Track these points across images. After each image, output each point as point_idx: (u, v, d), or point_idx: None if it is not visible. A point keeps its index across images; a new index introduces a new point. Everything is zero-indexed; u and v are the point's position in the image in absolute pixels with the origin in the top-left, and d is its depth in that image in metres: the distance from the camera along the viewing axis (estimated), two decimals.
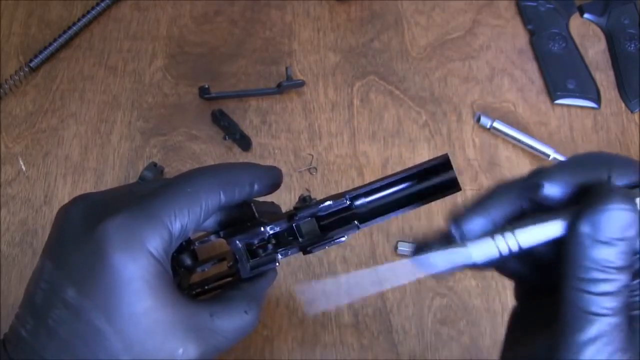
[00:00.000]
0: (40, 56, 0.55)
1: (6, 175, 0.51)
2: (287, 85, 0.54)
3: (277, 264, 0.34)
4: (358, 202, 0.34)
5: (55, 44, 0.55)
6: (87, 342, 0.28)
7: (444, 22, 0.59)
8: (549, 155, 0.51)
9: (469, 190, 0.51)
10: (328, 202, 0.34)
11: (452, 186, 0.32)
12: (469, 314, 0.47)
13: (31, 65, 0.54)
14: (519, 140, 0.52)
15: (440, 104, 0.55)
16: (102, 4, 0.57)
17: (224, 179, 0.33)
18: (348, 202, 0.34)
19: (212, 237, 0.36)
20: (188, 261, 0.36)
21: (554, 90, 0.55)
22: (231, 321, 0.32)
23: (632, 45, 0.57)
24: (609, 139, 0.54)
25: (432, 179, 0.33)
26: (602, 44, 0.58)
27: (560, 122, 0.54)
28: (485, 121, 0.53)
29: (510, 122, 0.53)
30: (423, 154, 0.52)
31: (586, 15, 0.59)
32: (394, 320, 0.46)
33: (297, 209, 0.34)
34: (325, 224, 0.35)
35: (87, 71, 0.55)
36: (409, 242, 0.48)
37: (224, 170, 0.34)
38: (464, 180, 0.51)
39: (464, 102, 0.55)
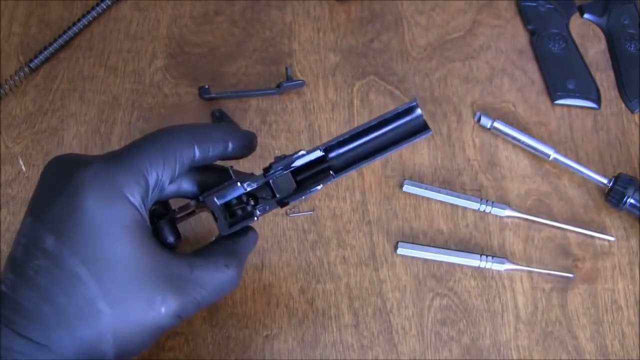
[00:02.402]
0: (40, 56, 0.55)
1: (6, 176, 0.51)
2: (287, 86, 0.54)
3: (255, 219, 0.35)
4: (332, 154, 0.35)
5: (55, 44, 0.55)
6: (65, 289, 0.28)
7: (444, 22, 0.59)
8: (549, 155, 0.51)
9: (469, 191, 0.51)
10: (301, 152, 0.35)
11: (422, 129, 0.34)
12: (469, 314, 0.47)
13: (31, 65, 0.54)
14: (519, 140, 0.52)
15: (440, 104, 0.55)
16: (102, 4, 0.57)
17: (197, 135, 0.34)
18: (322, 153, 0.35)
19: (192, 203, 0.36)
20: (169, 232, 0.36)
21: (554, 90, 0.55)
22: (211, 274, 0.33)
23: (632, 45, 0.57)
24: (609, 139, 0.54)
25: (402, 124, 0.34)
26: (602, 44, 0.58)
27: (560, 122, 0.55)
28: (486, 121, 0.53)
29: (510, 122, 0.53)
30: (423, 154, 0.52)
31: (586, 15, 0.59)
32: (394, 320, 0.47)
33: (272, 163, 0.35)
34: (301, 179, 0.35)
35: (87, 71, 0.55)
36: (409, 242, 0.48)
37: (197, 126, 0.35)
38: (464, 180, 0.52)
39: (464, 102, 0.55)
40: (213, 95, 0.54)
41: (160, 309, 0.30)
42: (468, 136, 0.53)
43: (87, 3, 0.58)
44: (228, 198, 0.35)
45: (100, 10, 0.57)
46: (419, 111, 0.34)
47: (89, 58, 0.56)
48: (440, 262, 0.48)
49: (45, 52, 0.55)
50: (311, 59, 0.56)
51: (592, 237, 0.50)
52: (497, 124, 0.52)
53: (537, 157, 0.52)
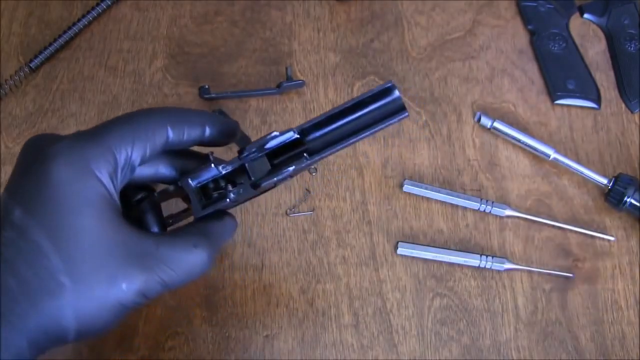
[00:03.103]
0: (40, 56, 0.55)
1: (6, 176, 0.51)
2: (287, 86, 0.54)
3: (228, 200, 0.34)
4: (309, 137, 0.34)
5: (55, 44, 0.55)
6: (30, 261, 0.28)
7: (444, 22, 0.59)
8: (549, 155, 0.51)
9: (469, 191, 0.51)
10: (274, 133, 0.34)
11: (399, 109, 0.33)
12: (469, 314, 0.47)
13: (31, 65, 0.54)
14: (519, 141, 0.52)
15: (440, 104, 0.55)
16: (102, 4, 0.57)
17: (172, 116, 0.33)
18: (296, 135, 0.34)
19: (171, 188, 0.36)
20: (153, 222, 0.36)
21: (554, 90, 0.55)
22: (178, 253, 0.32)
23: (632, 45, 0.57)
24: (609, 139, 0.54)
25: (381, 107, 0.34)
26: (602, 44, 0.58)
27: (560, 122, 0.55)
28: (486, 121, 0.53)
29: (510, 122, 0.53)
30: (423, 154, 0.52)
31: (586, 15, 0.59)
32: (394, 320, 0.47)
33: (245, 146, 0.35)
34: (277, 162, 0.35)
35: (87, 71, 0.55)
36: (409, 242, 0.48)
37: (173, 109, 0.34)
38: (464, 180, 0.52)
39: (464, 102, 0.55)
40: (213, 95, 0.54)
41: (122, 284, 0.30)
42: (468, 136, 0.53)
43: (87, 3, 0.58)
44: (203, 179, 0.34)
45: (100, 10, 0.57)
46: (396, 93, 0.33)
47: (89, 58, 0.56)
48: (440, 262, 0.48)
49: (45, 52, 0.55)
50: (311, 59, 0.56)
51: (592, 237, 0.50)
52: (497, 124, 0.52)
53: (537, 157, 0.52)
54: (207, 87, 0.53)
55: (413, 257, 0.48)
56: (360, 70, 0.56)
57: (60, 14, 0.58)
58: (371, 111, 0.34)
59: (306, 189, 0.51)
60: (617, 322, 0.47)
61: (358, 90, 0.55)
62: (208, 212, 0.35)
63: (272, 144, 0.34)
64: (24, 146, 0.32)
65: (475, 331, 0.46)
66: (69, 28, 0.56)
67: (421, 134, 0.53)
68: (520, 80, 0.56)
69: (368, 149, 0.53)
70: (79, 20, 0.57)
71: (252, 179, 0.35)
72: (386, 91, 0.34)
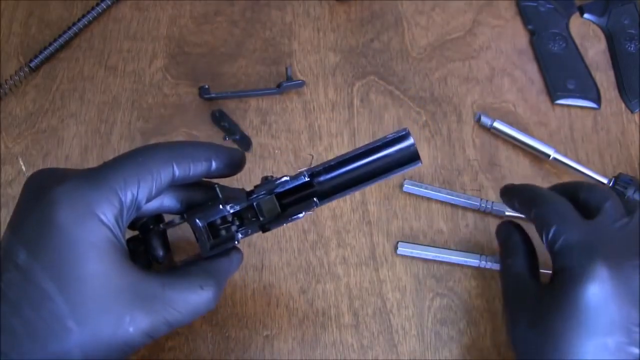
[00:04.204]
0: (40, 56, 0.55)
1: (6, 176, 0.51)
2: (287, 86, 0.54)
3: (237, 242, 0.34)
4: (319, 179, 0.34)
5: (55, 44, 0.55)
6: (35, 304, 0.29)
7: (444, 22, 0.59)
8: (549, 156, 0.51)
9: (469, 191, 0.51)
10: (285, 178, 0.34)
11: (413, 159, 0.33)
12: (469, 314, 0.47)
13: (31, 65, 0.54)
14: (519, 141, 0.52)
15: (440, 104, 0.55)
16: (102, 4, 0.57)
17: (177, 152, 0.33)
18: (306, 179, 0.34)
19: (177, 220, 0.36)
20: (158, 245, 0.36)
21: (554, 90, 0.55)
22: (184, 294, 0.32)
23: (632, 45, 0.57)
24: (609, 139, 0.54)
25: (392, 153, 0.33)
26: (602, 44, 0.58)
27: (560, 122, 0.55)
28: (486, 121, 0.53)
29: (510, 122, 0.53)
30: (423, 154, 0.52)
31: (586, 15, 0.59)
32: (394, 320, 0.47)
33: (256, 186, 0.34)
34: (286, 202, 0.35)
35: (87, 71, 0.55)
36: (409, 242, 0.48)
37: (178, 144, 0.34)
38: (464, 180, 0.52)
39: (464, 102, 0.55)
40: (213, 95, 0.54)
41: (129, 328, 0.30)
42: (468, 136, 0.53)
43: (87, 3, 0.58)
44: (211, 219, 0.34)
45: (100, 10, 0.57)
46: (411, 140, 0.33)
47: (89, 58, 0.56)
48: (441, 262, 0.48)
49: (45, 52, 0.55)
50: (311, 59, 0.56)
51: None
52: (497, 124, 0.52)
53: (537, 157, 0.52)
54: (207, 87, 0.53)
55: (413, 257, 0.48)
56: (360, 70, 0.56)
57: (60, 14, 0.58)
58: (384, 157, 0.34)
59: None
60: None
61: (358, 90, 0.55)
62: (215, 253, 0.35)
63: (282, 187, 0.34)
64: (27, 181, 0.32)
65: (475, 331, 0.46)
66: (69, 28, 0.56)
67: (421, 134, 0.53)
68: (520, 80, 0.56)
69: None
70: (79, 20, 0.57)
71: (262, 219, 0.35)
72: (401, 138, 0.33)
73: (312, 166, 0.34)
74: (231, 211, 0.34)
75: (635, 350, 0.33)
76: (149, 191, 0.32)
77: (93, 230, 0.29)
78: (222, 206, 0.34)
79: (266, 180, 0.35)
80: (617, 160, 0.53)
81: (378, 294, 0.47)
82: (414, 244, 0.48)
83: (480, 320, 0.47)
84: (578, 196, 0.39)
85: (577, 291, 0.34)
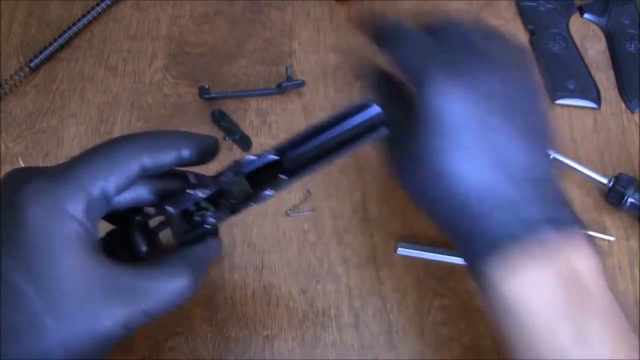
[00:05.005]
0: (40, 56, 0.55)
1: None
2: (287, 86, 0.54)
3: (207, 226, 0.34)
4: (289, 156, 0.34)
5: (55, 44, 0.55)
6: (10, 303, 0.29)
7: None
8: (549, 156, 0.51)
9: None
10: (251, 157, 0.33)
11: (380, 125, 0.33)
12: (469, 314, 0.47)
13: (31, 65, 0.54)
14: None
15: None
16: (102, 4, 0.57)
17: (144, 142, 0.33)
18: (274, 156, 0.33)
19: (152, 211, 0.35)
20: (141, 240, 0.36)
21: (554, 90, 0.55)
22: (158, 282, 0.32)
23: (632, 45, 0.57)
24: (609, 139, 0.54)
25: (359, 121, 0.33)
26: (602, 44, 0.58)
27: (560, 122, 0.54)
28: None
29: None
30: None
31: (586, 15, 0.59)
32: (394, 320, 0.46)
33: (223, 168, 0.34)
34: (257, 182, 0.34)
35: (87, 71, 0.55)
36: (409, 243, 0.48)
37: (146, 134, 0.34)
38: None
39: None
40: (213, 95, 0.54)
41: (106, 320, 0.30)
42: None
43: (87, 3, 0.58)
44: (182, 207, 0.34)
45: (100, 10, 0.57)
46: (377, 107, 0.33)
47: (89, 58, 0.56)
48: (441, 263, 0.48)
49: (45, 52, 0.55)
50: (311, 59, 0.56)
51: (592, 237, 0.50)
52: None
53: None
54: (207, 87, 0.53)
55: (413, 257, 0.48)
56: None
57: (60, 14, 0.58)
58: (351, 127, 0.33)
59: (307, 190, 0.51)
60: None
61: (358, 90, 0.55)
62: (188, 239, 0.34)
63: (249, 167, 0.34)
64: (3, 181, 0.32)
65: (476, 332, 0.46)
66: (69, 28, 0.56)
67: None
68: None
69: (369, 148, 0.52)
70: (79, 20, 0.57)
71: (234, 201, 0.34)
72: (367, 106, 0.33)
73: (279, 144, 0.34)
74: (202, 196, 0.34)
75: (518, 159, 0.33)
76: (117, 183, 0.32)
77: (63, 225, 0.30)
78: (192, 191, 0.34)
79: (236, 162, 0.34)
80: (617, 160, 0.53)
81: (378, 294, 0.47)
82: (414, 244, 0.48)
83: (480, 320, 0.47)
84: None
85: (429, 100, 0.33)
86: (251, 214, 0.50)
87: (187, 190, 0.34)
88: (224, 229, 0.49)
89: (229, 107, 0.54)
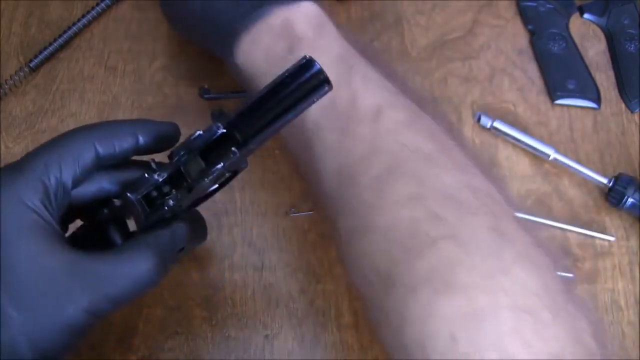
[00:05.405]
0: (40, 56, 0.55)
1: None
2: None
3: (167, 207, 0.34)
4: (238, 128, 0.33)
5: (55, 44, 0.55)
6: None
7: (444, 22, 0.59)
8: (549, 155, 0.51)
9: None
10: (198, 132, 0.33)
11: (323, 82, 0.32)
12: None
13: (31, 65, 0.54)
14: (519, 140, 0.52)
15: (440, 104, 0.55)
16: (102, 4, 0.57)
17: (98, 131, 0.34)
18: (222, 130, 0.33)
19: (117, 202, 0.35)
20: (115, 233, 0.36)
21: (554, 90, 0.55)
22: (120, 267, 0.32)
23: (632, 45, 0.57)
24: (609, 139, 0.54)
25: (302, 83, 0.32)
26: (602, 44, 0.58)
27: (560, 122, 0.54)
28: (486, 121, 0.53)
29: (510, 122, 0.53)
30: None
31: (586, 15, 0.59)
32: None
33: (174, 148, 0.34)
34: (211, 159, 0.34)
35: (87, 71, 0.55)
36: None
37: (100, 123, 0.34)
38: None
39: (464, 102, 0.55)
40: (213, 95, 0.54)
41: (69, 308, 0.30)
42: (468, 136, 0.53)
43: (87, 3, 0.58)
44: (142, 192, 0.34)
45: (100, 10, 0.57)
46: (317, 66, 0.32)
47: (89, 58, 0.56)
48: None
49: (45, 52, 0.55)
50: None
51: (592, 237, 0.50)
52: (497, 124, 0.52)
53: (537, 157, 0.52)
54: (207, 87, 0.53)
55: None
56: None
57: (60, 14, 0.58)
58: (295, 90, 0.32)
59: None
60: (617, 322, 0.47)
61: None
62: (149, 223, 0.34)
63: (198, 142, 0.33)
64: None
65: None
66: (69, 28, 0.56)
67: None
68: (520, 80, 0.56)
69: None
70: (79, 20, 0.57)
71: (191, 181, 0.34)
72: (305, 66, 0.32)
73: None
74: (160, 179, 0.34)
75: None
76: (73, 172, 0.32)
77: (20, 216, 0.30)
78: (149, 175, 0.34)
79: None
80: (617, 160, 0.53)
81: None
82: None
83: None
84: None
85: None
86: (251, 213, 0.50)
87: (145, 175, 0.34)
88: (223, 229, 0.49)
89: (229, 107, 0.54)
